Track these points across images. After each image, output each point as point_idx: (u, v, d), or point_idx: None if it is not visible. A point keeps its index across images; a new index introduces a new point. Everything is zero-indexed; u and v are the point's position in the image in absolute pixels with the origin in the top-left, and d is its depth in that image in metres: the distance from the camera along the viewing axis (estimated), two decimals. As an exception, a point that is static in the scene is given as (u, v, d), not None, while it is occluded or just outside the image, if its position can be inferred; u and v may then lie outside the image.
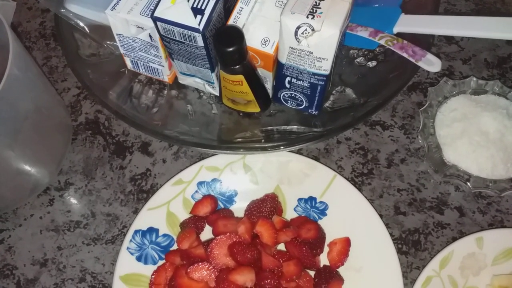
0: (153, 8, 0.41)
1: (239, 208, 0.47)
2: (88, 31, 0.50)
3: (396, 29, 0.48)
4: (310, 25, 0.39)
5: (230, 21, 0.43)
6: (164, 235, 0.46)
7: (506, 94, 0.50)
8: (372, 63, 0.51)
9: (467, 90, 0.51)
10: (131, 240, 0.45)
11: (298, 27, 0.39)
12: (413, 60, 0.45)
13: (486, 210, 0.48)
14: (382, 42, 0.47)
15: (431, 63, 0.45)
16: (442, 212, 0.48)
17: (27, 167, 0.47)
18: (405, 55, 0.46)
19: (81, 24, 0.49)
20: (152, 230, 0.46)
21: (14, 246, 0.49)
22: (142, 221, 0.46)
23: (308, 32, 0.39)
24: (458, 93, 0.51)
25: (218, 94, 0.50)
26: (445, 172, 0.48)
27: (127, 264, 0.44)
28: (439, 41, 0.57)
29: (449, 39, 0.57)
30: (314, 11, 0.39)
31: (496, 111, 0.48)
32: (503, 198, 0.48)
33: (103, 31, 0.49)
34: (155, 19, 0.41)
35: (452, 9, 0.60)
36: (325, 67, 0.42)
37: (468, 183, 0.46)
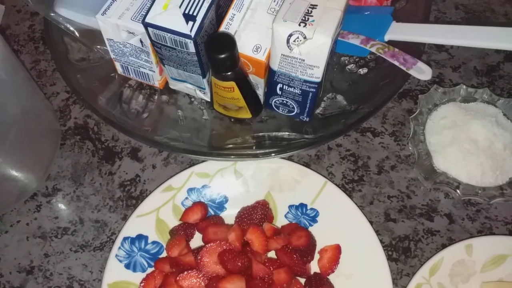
0: (144, 13, 0.41)
1: (229, 215, 0.47)
2: (78, 35, 0.49)
3: (387, 37, 0.49)
4: (302, 33, 0.39)
5: (222, 28, 0.43)
6: (154, 242, 0.45)
7: (495, 102, 0.50)
8: (363, 70, 0.52)
9: (457, 98, 0.51)
10: (119, 247, 0.44)
11: (290, 35, 0.39)
12: (404, 68, 0.45)
13: (475, 217, 0.48)
14: (373, 49, 0.47)
15: (422, 71, 0.45)
16: (432, 219, 0.48)
17: (14, 173, 0.47)
18: (396, 63, 0.46)
19: (71, 28, 0.49)
20: (141, 237, 0.45)
21: (-1, 253, 0.48)
22: (131, 228, 0.45)
23: (300, 40, 0.39)
24: (448, 101, 0.51)
25: (209, 100, 0.50)
26: (435, 179, 0.48)
27: (115, 271, 0.44)
28: (429, 49, 0.57)
29: (439, 47, 0.57)
30: (306, 19, 0.39)
31: (485, 119, 0.48)
32: (492, 205, 0.49)
33: (93, 36, 0.49)
34: (146, 25, 0.40)
35: (442, 17, 0.60)
36: (317, 74, 0.42)
37: (458, 191, 0.47)
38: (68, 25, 0.48)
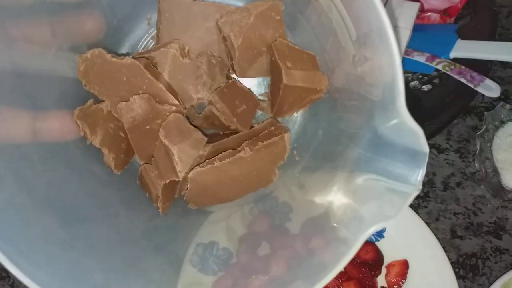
0: None
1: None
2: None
3: (452, 54, 0.49)
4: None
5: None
6: (224, 249, 0.47)
7: None
8: (427, 87, 0.52)
9: (524, 115, 0.51)
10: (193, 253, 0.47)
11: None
12: (471, 86, 0.46)
13: (547, 237, 0.47)
14: (439, 67, 0.48)
15: (490, 89, 0.46)
16: (500, 237, 0.48)
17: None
18: (463, 80, 0.46)
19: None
20: (212, 244, 0.47)
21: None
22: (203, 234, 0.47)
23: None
24: (515, 118, 0.51)
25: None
26: (503, 197, 0.47)
27: (189, 274, 0.46)
28: (493, 66, 0.57)
29: (504, 64, 0.57)
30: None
31: (556, 136, 0.48)
32: None
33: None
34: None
35: (506, 34, 0.60)
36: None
37: (528, 209, 0.46)
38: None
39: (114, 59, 0.34)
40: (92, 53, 0.34)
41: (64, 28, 0.32)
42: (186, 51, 0.37)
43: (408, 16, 0.43)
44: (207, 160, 0.36)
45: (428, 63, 0.49)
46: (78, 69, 0.35)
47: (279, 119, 0.42)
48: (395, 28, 0.41)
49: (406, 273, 0.44)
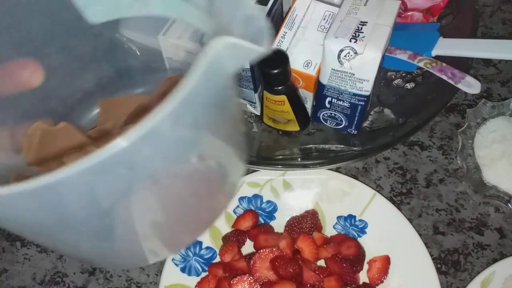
0: (201, 34, 0.44)
1: (278, 224, 0.48)
2: (139, 54, 0.53)
3: (434, 52, 0.50)
4: (353, 48, 0.41)
5: (274, 45, 0.45)
6: (207, 248, 0.47)
7: (546, 116, 0.50)
8: (410, 85, 0.53)
9: (506, 112, 0.51)
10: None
11: (341, 50, 0.41)
12: (452, 83, 0.46)
13: (528, 232, 0.47)
14: (421, 64, 0.48)
15: (470, 85, 0.46)
16: (482, 233, 0.48)
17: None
18: (444, 77, 0.47)
19: (133, 48, 0.53)
20: (196, 242, 0.47)
21: (65, 255, 0.51)
22: (186, 233, 0.48)
23: (351, 55, 0.41)
24: (497, 115, 0.51)
25: (258, 114, 0.52)
26: (485, 192, 0.48)
27: (171, 274, 0.46)
28: (476, 64, 0.58)
29: (487, 62, 0.58)
30: (357, 35, 0.41)
31: (536, 133, 0.48)
32: (545, 220, 0.48)
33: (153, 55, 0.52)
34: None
35: (489, 33, 0.60)
36: (366, 88, 0.43)
37: (509, 204, 0.46)
38: (131, 45, 0.53)
39: (51, 127, 0.36)
40: (34, 127, 0.36)
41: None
42: (119, 125, 0.40)
43: (388, 13, 0.43)
44: None
45: (410, 60, 0.49)
46: (24, 149, 0.35)
47: None
48: (375, 25, 0.42)
49: (388, 269, 0.44)
